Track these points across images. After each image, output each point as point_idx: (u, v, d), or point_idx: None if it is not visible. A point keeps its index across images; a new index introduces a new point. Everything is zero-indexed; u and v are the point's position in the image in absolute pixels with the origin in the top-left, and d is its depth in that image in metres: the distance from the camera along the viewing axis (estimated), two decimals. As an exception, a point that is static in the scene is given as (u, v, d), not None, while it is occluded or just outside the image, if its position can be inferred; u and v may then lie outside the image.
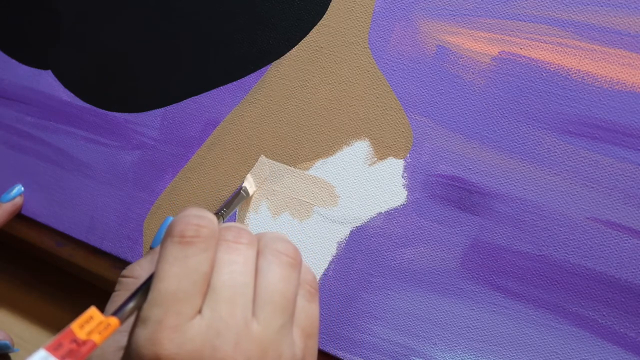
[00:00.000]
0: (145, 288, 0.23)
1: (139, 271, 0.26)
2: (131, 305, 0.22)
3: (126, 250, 0.38)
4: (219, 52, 0.35)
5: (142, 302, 0.23)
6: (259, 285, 0.24)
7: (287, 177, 0.34)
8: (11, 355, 0.40)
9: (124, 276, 0.27)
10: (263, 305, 0.23)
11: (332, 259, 0.33)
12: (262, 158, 0.34)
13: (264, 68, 0.34)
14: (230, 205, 0.32)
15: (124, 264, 0.39)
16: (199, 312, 0.22)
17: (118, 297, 0.26)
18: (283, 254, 0.25)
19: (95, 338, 0.20)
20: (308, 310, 0.25)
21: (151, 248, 0.27)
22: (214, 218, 0.24)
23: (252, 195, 0.35)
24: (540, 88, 0.29)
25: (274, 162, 0.34)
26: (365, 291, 0.32)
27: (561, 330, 0.29)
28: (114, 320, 0.21)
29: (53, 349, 0.19)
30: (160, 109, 0.37)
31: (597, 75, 0.28)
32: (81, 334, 0.20)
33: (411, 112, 0.31)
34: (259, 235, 0.26)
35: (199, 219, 0.23)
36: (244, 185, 0.34)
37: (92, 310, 0.21)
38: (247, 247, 0.24)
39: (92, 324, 0.21)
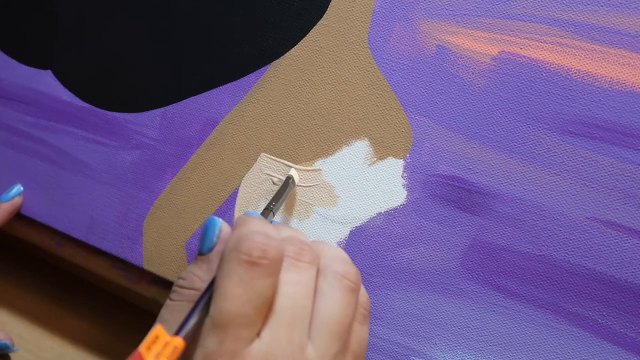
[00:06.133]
0: (206, 302, 0.23)
1: (198, 283, 0.26)
2: (193, 321, 0.22)
3: (126, 250, 0.38)
4: (218, 52, 0.35)
5: (204, 317, 0.22)
6: (318, 309, 0.24)
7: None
8: (11, 355, 0.40)
9: (183, 287, 0.26)
10: (320, 331, 0.23)
11: (332, 259, 0.33)
12: (263, 155, 0.34)
13: (263, 68, 0.34)
14: (279, 198, 0.31)
15: (123, 264, 0.39)
16: (258, 334, 0.22)
17: (178, 308, 0.25)
18: (345, 277, 0.24)
19: None
20: (360, 334, 0.25)
21: (200, 254, 0.26)
22: (279, 238, 0.24)
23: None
24: (540, 88, 0.29)
25: (273, 160, 0.34)
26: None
27: (561, 330, 0.29)
28: (179, 342, 0.21)
29: None
30: (159, 109, 0.37)
31: (597, 75, 0.28)
32: (149, 357, 0.20)
33: (411, 112, 0.31)
34: (318, 248, 0.26)
35: (267, 238, 0.23)
36: (290, 174, 0.33)
37: (158, 330, 0.21)
38: (310, 265, 0.24)
39: (159, 345, 0.21)
